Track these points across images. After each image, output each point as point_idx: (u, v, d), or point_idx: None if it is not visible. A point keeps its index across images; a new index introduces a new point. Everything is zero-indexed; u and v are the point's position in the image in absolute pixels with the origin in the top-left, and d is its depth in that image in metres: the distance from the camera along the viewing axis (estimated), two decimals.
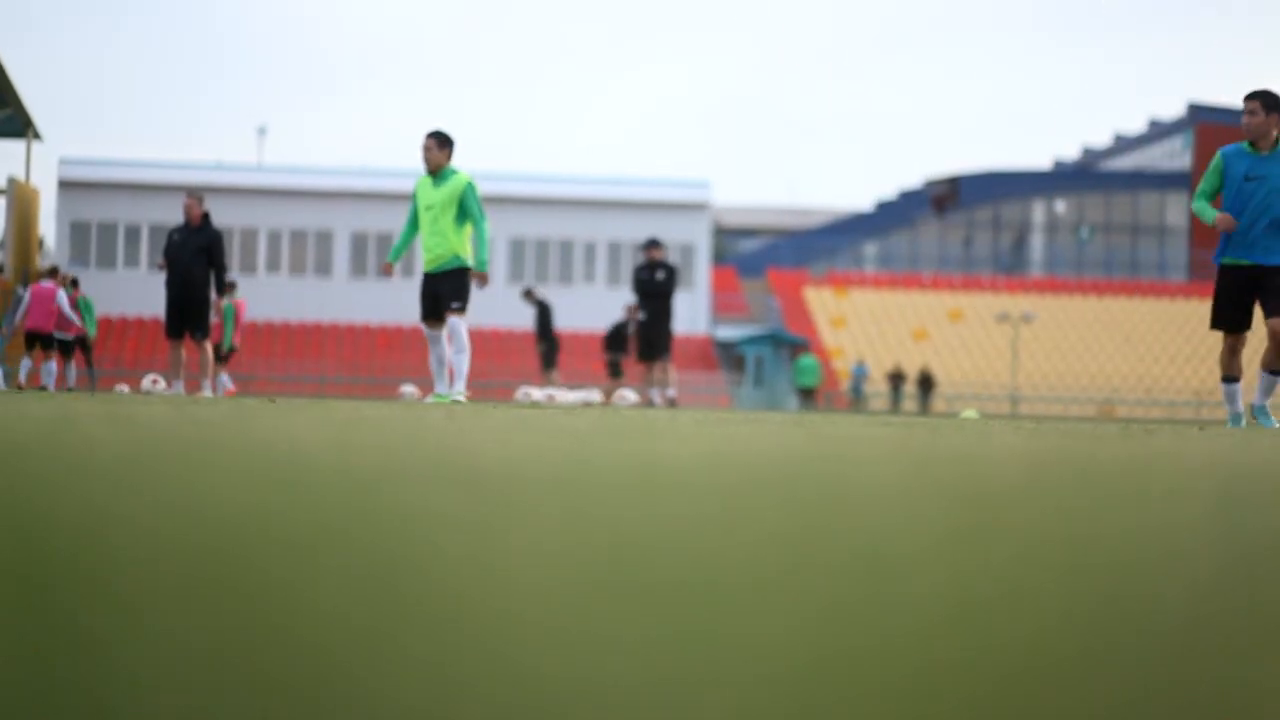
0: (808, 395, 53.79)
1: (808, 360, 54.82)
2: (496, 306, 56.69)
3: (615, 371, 31.93)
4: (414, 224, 16.06)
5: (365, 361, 58.91)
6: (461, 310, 15.73)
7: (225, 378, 29.64)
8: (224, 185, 59.74)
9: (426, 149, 15.94)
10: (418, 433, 4.28)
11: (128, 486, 1.93)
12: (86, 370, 32.92)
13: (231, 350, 29.97)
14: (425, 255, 15.85)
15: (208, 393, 19.48)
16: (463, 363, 15.73)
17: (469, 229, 15.80)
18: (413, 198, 16.09)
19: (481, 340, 54.15)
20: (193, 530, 1.43)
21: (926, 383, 57.18)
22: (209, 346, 19.69)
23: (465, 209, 15.70)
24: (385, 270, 16.37)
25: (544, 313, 32.29)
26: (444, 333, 15.84)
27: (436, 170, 15.87)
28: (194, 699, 0.71)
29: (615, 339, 31.93)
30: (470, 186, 15.70)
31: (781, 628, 0.94)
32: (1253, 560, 1.44)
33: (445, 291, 15.74)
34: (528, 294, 32.89)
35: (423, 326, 15.98)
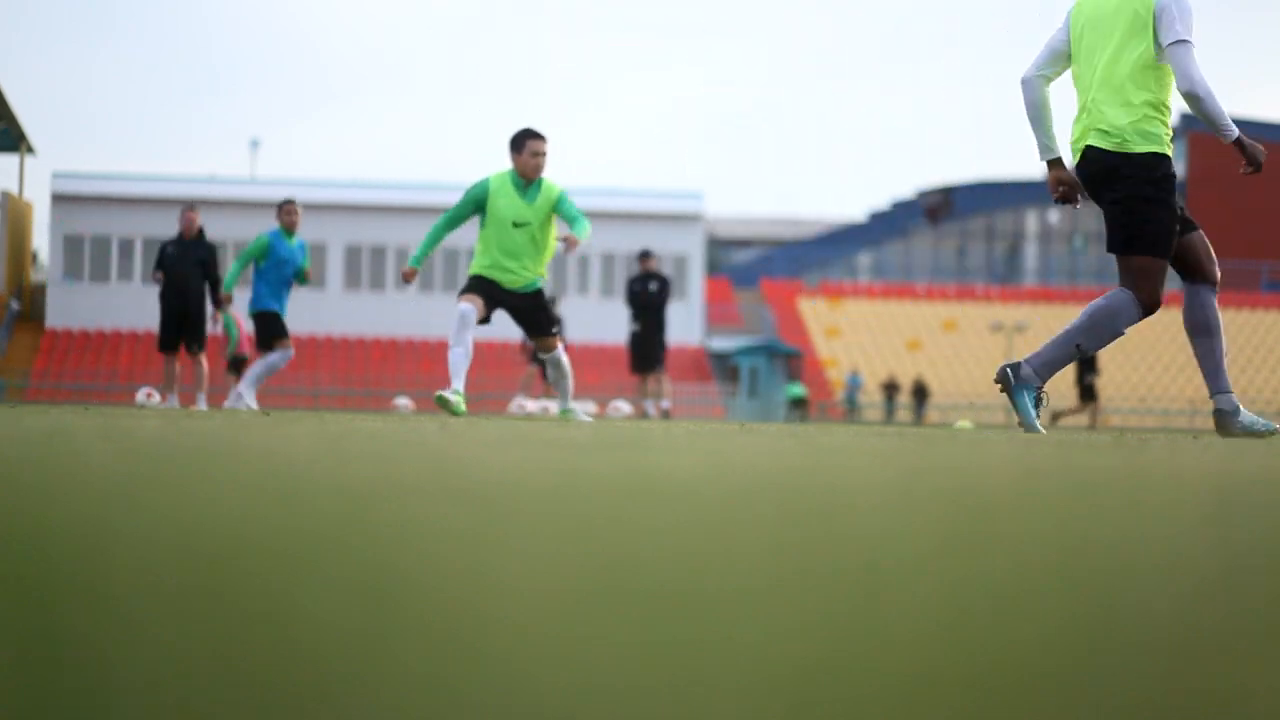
0: (798, 404, 54.00)
1: (795, 388, 55.49)
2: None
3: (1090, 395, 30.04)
4: (450, 226, 13.25)
5: (359, 374, 58.81)
6: (559, 335, 13.57)
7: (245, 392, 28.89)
8: (217, 198, 59.63)
9: (540, 154, 12.89)
10: (412, 445, 4.28)
11: (124, 499, 1.93)
12: None
13: (245, 360, 29.61)
14: (505, 273, 13.08)
15: (203, 405, 19.46)
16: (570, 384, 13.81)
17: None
18: (473, 200, 13.01)
19: (475, 352, 54.07)
20: (188, 542, 1.43)
21: (921, 393, 57.20)
22: (205, 360, 19.66)
23: (568, 217, 12.91)
24: (408, 276, 13.42)
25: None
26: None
27: (534, 179, 12.99)
28: (190, 710, 0.71)
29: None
30: (565, 193, 13.02)
31: (776, 637, 0.95)
32: (1247, 569, 1.45)
33: (544, 316, 13.37)
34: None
35: (531, 346, 12.64)
